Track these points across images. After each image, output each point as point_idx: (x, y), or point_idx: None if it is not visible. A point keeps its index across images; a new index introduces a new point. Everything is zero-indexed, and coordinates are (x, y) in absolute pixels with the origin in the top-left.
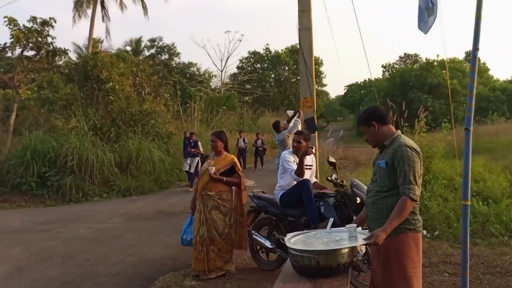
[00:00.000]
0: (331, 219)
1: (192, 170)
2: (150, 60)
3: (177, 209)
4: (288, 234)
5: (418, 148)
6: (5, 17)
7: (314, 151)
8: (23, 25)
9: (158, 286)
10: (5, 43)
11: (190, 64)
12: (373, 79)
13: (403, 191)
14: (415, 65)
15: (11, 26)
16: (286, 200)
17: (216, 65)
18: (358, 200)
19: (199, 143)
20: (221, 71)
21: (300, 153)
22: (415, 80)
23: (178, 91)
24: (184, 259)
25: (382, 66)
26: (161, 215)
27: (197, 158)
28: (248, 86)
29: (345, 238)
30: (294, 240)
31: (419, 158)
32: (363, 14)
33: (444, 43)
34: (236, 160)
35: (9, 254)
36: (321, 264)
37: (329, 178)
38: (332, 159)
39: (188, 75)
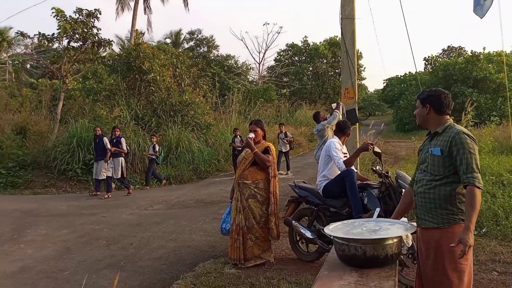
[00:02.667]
0: (378, 209)
1: (116, 175)
2: (189, 52)
3: (215, 199)
4: (328, 225)
5: (474, 136)
6: (53, 8)
7: (372, 147)
8: (70, 16)
9: (199, 272)
10: (53, 34)
11: (228, 57)
12: (416, 72)
13: (468, 180)
14: (459, 58)
15: (58, 17)
16: (330, 190)
17: (254, 58)
18: (403, 192)
19: (123, 140)
20: (259, 63)
21: (359, 148)
22: (459, 73)
23: (217, 83)
24: (223, 247)
25: (424, 59)
26: (200, 203)
27: (120, 159)
28: (285, 79)
29: (388, 228)
30: (332, 228)
31: (477, 146)
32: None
33: (502, 30)
34: (271, 146)
35: (57, 236)
36: (368, 254)
37: (374, 169)
38: (377, 149)
39: (226, 67)
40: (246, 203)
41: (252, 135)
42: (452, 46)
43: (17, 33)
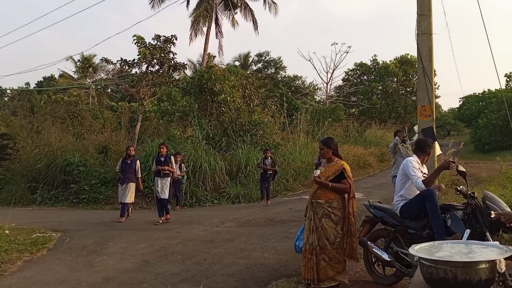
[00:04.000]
0: (468, 231)
1: (164, 195)
2: (257, 73)
3: (285, 217)
4: (413, 245)
5: None
6: (134, 35)
7: (454, 166)
8: (149, 43)
9: None
10: (133, 59)
11: (296, 77)
12: (496, 89)
13: None
14: None
15: (138, 44)
16: (408, 210)
17: (321, 78)
18: (492, 215)
19: (173, 159)
20: (327, 83)
21: (440, 166)
22: None
23: (285, 103)
24: (295, 266)
25: (506, 75)
26: (270, 222)
27: (169, 179)
28: (353, 98)
29: (480, 251)
30: (418, 249)
31: None
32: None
33: None
34: (346, 166)
35: (136, 249)
36: (459, 278)
37: (458, 189)
38: (461, 168)
39: (293, 87)
40: (320, 223)
41: (317, 172)
42: None
43: (102, 59)
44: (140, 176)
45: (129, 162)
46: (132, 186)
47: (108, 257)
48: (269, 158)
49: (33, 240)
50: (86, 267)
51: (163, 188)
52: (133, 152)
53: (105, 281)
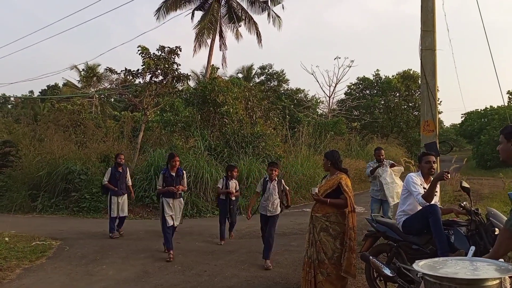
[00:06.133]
0: (472, 247)
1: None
2: (260, 86)
3: (286, 230)
4: (416, 261)
5: None
6: (139, 46)
7: (449, 177)
8: (153, 54)
9: None
10: (137, 69)
11: (298, 90)
12: (501, 105)
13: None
14: None
15: (143, 54)
16: (410, 226)
17: (324, 91)
18: (497, 231)
19: (185, 174)
20: (329, 97)
21: (435, 177)
22: None
23: (287, 116)
24: (296, 279)
25: (508, 92)
26: None
27: (182, 201)
28: (356, 112)
29: (485, 269)
30: (422, 265)
31: None
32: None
33: None
34: (344, 179)
35: (136, 259)
36: None
37: (462, 205)
38: (465, 184)
39: (295, 100)
40: (318, 237)
41: (315, 190)
42: None
43: (106, 69)
44: (131, 184)
45: (121, 171)
46: (126, 197)
47: (108, 266)
48: (234, 178)
49: (33, 248)
50: (85, 276)
51: (177, 213)
52: (123, 160)
53: None
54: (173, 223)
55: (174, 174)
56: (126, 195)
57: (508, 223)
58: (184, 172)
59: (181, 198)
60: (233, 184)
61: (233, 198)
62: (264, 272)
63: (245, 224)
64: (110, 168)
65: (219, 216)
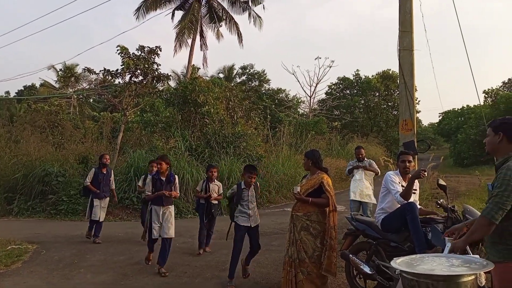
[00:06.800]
0: (449, 244)
1: (168, 233)
2: (241, 86)
3: (267, 230)
4: (394, 258)
5: None
6: (118, 46)
7: (426, 175)
8: (133, 53)
9: None
10: (117, 70)
11: (279, 90)
12: (478, 105)
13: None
14: None
15: (122, 54)
16: (388, 224)
17: (305, 91)
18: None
19: (177, 179)
20: (310, 96)
21: (413, 175)
22: None
23: (268, 116)
24: (277, 279)
25: (484, 91)
26: None
27: (173, 209)
28: (336, 112)
29: (461, 265)
30: (400, 262)
31: None
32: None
33: None
34: (325, 179)
35: (114, 262)
36: None
37: (439, 202)
38: (442, 182)
39: (277, 100)
40: (299, 236)
41: (297, 188)
42: None
43: (84, 69)
44: (114, 187)
45: (105, 173)
46: (107, 200)
47: (86, 270)
48: (215, 179)
49: (8, 252)
50: (62, 280)
51: (167, 223)
52: (109, 161)
53: None
54: (161, 235)
55: (164, 179)
56: (108, 198)
57: (485, 211)
58: (176, 177)
59: (172, 206)
60: (215, 187)
61: (214, 202)
62: None
63: (226, 224)
64: (93, 169)
65: (199, 220)
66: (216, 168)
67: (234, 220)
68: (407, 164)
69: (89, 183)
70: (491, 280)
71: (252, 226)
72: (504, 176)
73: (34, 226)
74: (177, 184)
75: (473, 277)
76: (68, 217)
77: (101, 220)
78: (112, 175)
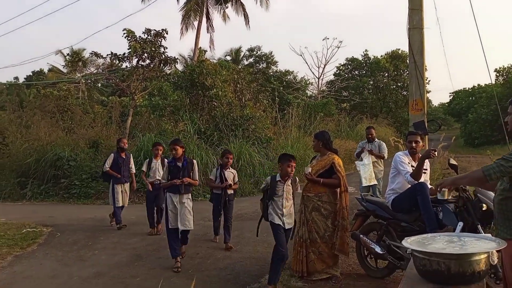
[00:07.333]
0: (460, 223)
1: (187, 225)
2: (249, 68)
3: None
4: (405, 238)
5: None
6: (124, 29)
7: (436, 154)
8: (139, 37)
9: (264, 283)
10: (124, 53)
11: (287, 72)
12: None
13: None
14: None
15: (129, 38)
16: (399, 204)
17: (313, 73)
18: (484, 207)
19: (195, 164)
20: (318, 78)
21: (423, 155)
22: None
23: (276, 98)
24: (289, 260)
25: (495, 70)
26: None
27: (190, 197)
28: (345, 93)
29: (473, 244)
30: (411, 241)
31: None
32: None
33: None
34: (336, 160)
35: (128, 243)
36: (453, 270)
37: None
38: (453, 162)
39: (285, 82)
40: (310, 216)
41: (309, 169)
42: None
43: (91, 53)
44: (134, 171)
45: (124, 157)
46: (128, 185)
47: (100, 251)
48: (230, 167)
49: (24, 235)
50: (78, 262)
51: (185, 213)
52: (127, 145)
53: (97, 276)
54: (178, 226)
55: (180, 164)
56: (128, 183)
57: (486, 167)
58: (195, 162)
59: (189, 194)
60: (230, 175)
61: (230, 192)
62: (256, 253)
63: (237, 206)
64: (112, 154)
65: (213, 211)
66: (232, 154)
67: (269, 219)
68: (413, 145)
69: (108, 169)
70: (501, 258)
71: (286, 228)
72: None
73: (48, 209)
74: (196, 170)
75: (485, 255)
76: (80, 200)
77: (125, 205)
78: (132, 159)
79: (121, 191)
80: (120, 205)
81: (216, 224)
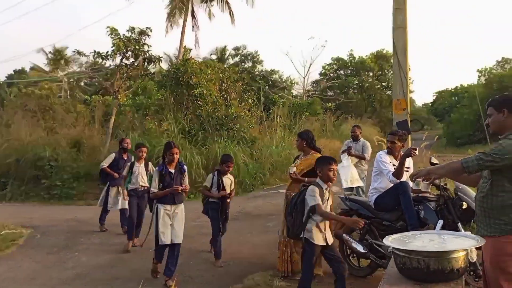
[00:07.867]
0: (440, 221)
1: (178, 238)
2: (234, 67)
3: (262, 212)
4: (387, 236)
5: None
6: (107, 27)
7: (416, 153)
8: (123, 35)
9: (247, 284)
10: (107, 52)
11: (273, 71)
12: (468, 84)
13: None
14: None
15: (112, 36)
16: (381, 203)
17: (298, 72)
18: (464, 205)
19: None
20: (304, 77)
21: (403, 154)
22: None
23: (262, 97)
24: (272, 260)
25: (478, 70)
26: (247, 216)
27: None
28: (330, 92)
29: (452, 241)
30: (392, 240)
31: None
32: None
33: None
34: None
35: (110, 245)
36: (432, 267)
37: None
38: (435, 160)
39: (270, 82)
40: None
41: (293, 169)
42: (507, 58)
43: (74, 51)
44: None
45: (126, 159)
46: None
47: (81, 253)
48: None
49: (2, 237)
50: (58, 264)
51: (179, 224)
52: (130, 145)
53: (77, 277)
54: (169, 241)
55: (173, 171)
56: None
57: (465, 159)
58: (186, 167)
59: (182, 204)
60: (228, 181)
61: (229, 201)
62: (240, 254)
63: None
64: (113, 154)
65: (212, 224)
66: (233, 163)
67: (305, 236)
68: (389, 145)
69: (105, 166)
70: (482, 256)
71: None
72: (502, 143)
73: (28, 210)
74: (186, 177)
75: (464, 253)
76: (62, 201)
77: (123, 207)
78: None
79: (117, 193)
80: (120, 207)
81: (218, 247)
